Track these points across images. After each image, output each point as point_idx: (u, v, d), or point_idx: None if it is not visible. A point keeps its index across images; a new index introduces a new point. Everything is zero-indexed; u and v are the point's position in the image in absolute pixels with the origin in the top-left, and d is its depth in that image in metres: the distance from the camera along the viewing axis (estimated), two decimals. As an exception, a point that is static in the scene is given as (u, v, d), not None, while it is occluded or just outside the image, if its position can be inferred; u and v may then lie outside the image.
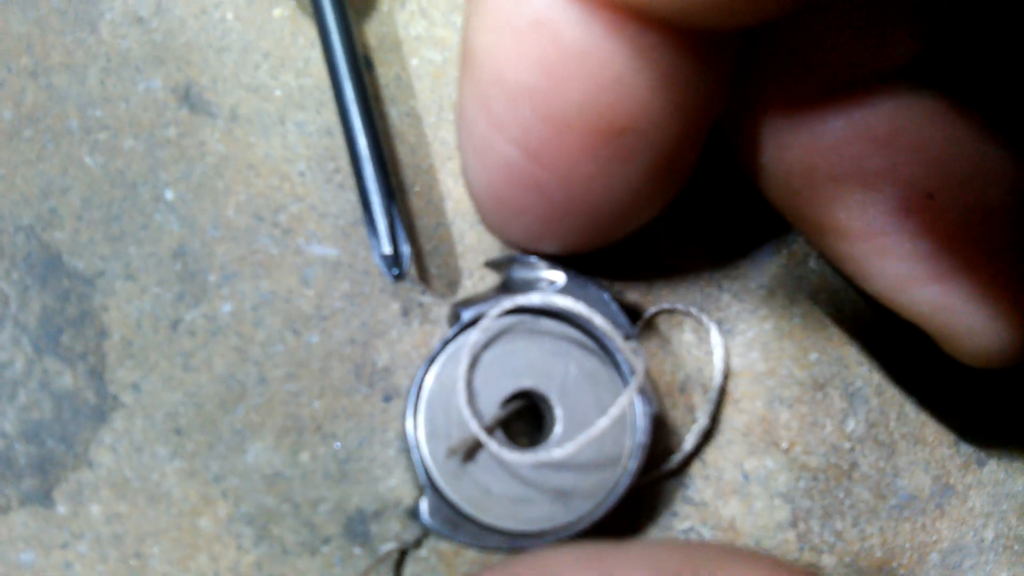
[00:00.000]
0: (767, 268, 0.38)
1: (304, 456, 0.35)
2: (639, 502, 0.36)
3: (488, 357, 0.34)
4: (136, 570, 0.34)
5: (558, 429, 0.34)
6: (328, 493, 0.35)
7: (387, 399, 0.35)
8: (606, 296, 0.34)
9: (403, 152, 0.37)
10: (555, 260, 0.35)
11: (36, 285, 0.35)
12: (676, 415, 0.37)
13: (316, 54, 0.37)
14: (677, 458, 0.36)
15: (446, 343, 0.34)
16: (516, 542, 0.33)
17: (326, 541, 0.35)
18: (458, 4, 0.38)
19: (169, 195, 0.36)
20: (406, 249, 0.34)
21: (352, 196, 0.36)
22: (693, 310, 0.37)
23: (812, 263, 0.38)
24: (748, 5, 0.25)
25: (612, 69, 0.27)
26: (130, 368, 0.35)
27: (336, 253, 0.36)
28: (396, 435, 0.35)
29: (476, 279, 0.36)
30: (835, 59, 0.29)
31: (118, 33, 0.36)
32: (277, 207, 0.36)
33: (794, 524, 0.37)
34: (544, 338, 0.34)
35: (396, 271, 0.34)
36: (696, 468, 0.37)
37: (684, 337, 0.37)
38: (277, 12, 0.37)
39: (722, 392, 0.37)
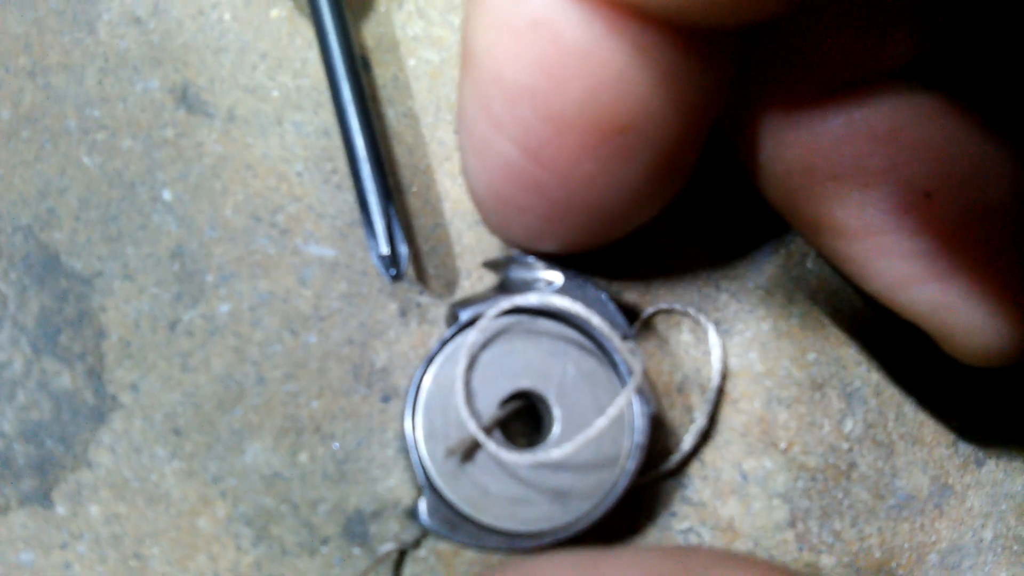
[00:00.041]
0: (765, 268, 0.38)
1: (303, 456, 0.35)
2: (637, 502, 0.36)
3: (486, 357, 0.34)
4: (135, 570, 0.34)
5: (556, 429, 0.34)
6: (327, 493, 0.35)
7: (385, 399, 0.35)
8: (604, 296, 0.34)
9: (400, 152, 0.37)
10: (553, 260, 0.35)
11: (34, 285, 0.35)
12: (674, 415, 0.37)
13: (313, 55, 0.37)
14: (675, 458, 0.36)
15: (444, 343, 0.34)
16: (515, 542, 0.33)
17: (325, 541, 0.35)
18: (455, 4, 0.38)
19: (167, 195, 0.36)
20: (404, 249, 0.34)
21: (350, 196, 0.36)
22: (691, 310, 0.37)
23: (810, 263, 0.38)
24: (748, 3, 0.25)
25: (612, 68, 0.27)
26: (128, 368, 0.35)
27: (334, 253, 0.36)
28: (394, 435, 0.35)
29: (474, 279, 0.36)
30: (835, 58, 0.29)
31: (116, 33, 0.36)
32: (275, 207, 0.36)
33: (793, 524, 0.37)
34: (542, 338, 0.34)
35: (394, 271, 0.34)
36: (694, 468, 0.37)
37: (682, 337, 0.37)
38: (274, 13, 0.37)
39: (720, 392, 0.37)
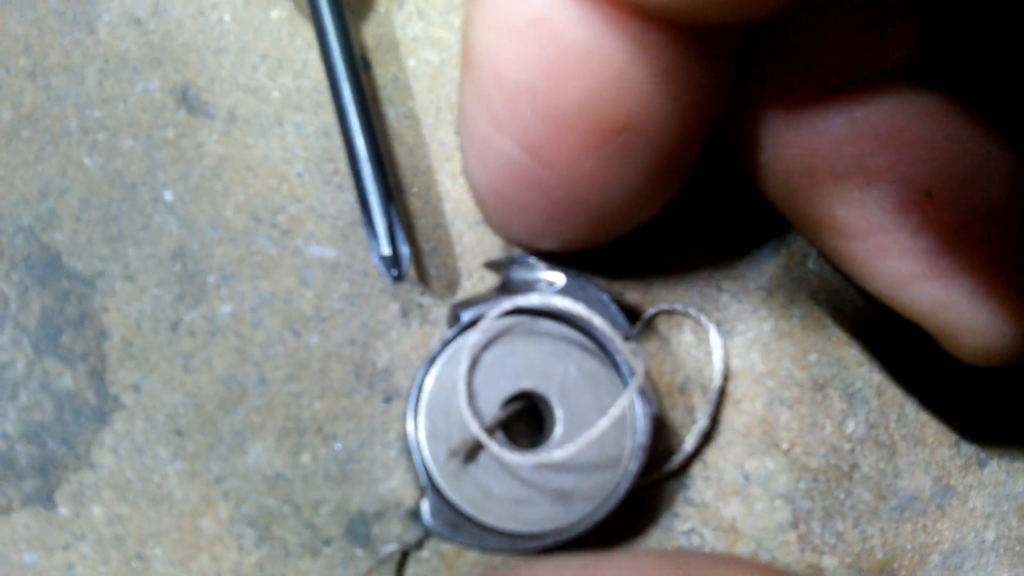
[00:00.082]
0: (766, 269, 0.38)
1: (305, 457, 0.35)
2: (640, 503, 0.36)
3: (488, 358, 0.34)
4: (138, 571, 0.34)
5: (558, 430, 0.34)
6: (329, 494, 0.35)
7: (387, 400, 0.35)
8: (605, 297, 0.34)
9: (401, 153, 0.37)
10: (554, 261, 0.35)
11: (36, 286, 0.35)
12: (676, 416, 0.37)
13: (314, 55, 0.37)
14: (677, 459, 0.36)
15: (446, 344, 0.34)
16: (517, 543, 0.33)
17: (328, 542, 0.35)
18: (455, 5, 0.38)
19: (168, 196, 0.36)
20: (405, 250, 0.34)
21: (350, 197, 0.36)
22: (692, 311, 0.37)
23: (811, 263, 0.38)
24: (748, 1, 0.25)
25: (612, 67, 0.27)
26: (130, 369, 0.35)
27: (335, 254, 0.36)
28: (397, 436, 0.35)
29: (475, 280, 0.36)
30: (836, 57, 0.29)
31: (116, 34, 0.36)
32: (276, 208, 0.36)
33: (795, 525, 0.37)
34: (543, 339, 0.34)
35: (395, 272, 0.34)
36: (697, 469, 0.37)
37: (683, 338, 0.37)
38: (274, 13, 0.37)
39: (722, 393, 0.37)
